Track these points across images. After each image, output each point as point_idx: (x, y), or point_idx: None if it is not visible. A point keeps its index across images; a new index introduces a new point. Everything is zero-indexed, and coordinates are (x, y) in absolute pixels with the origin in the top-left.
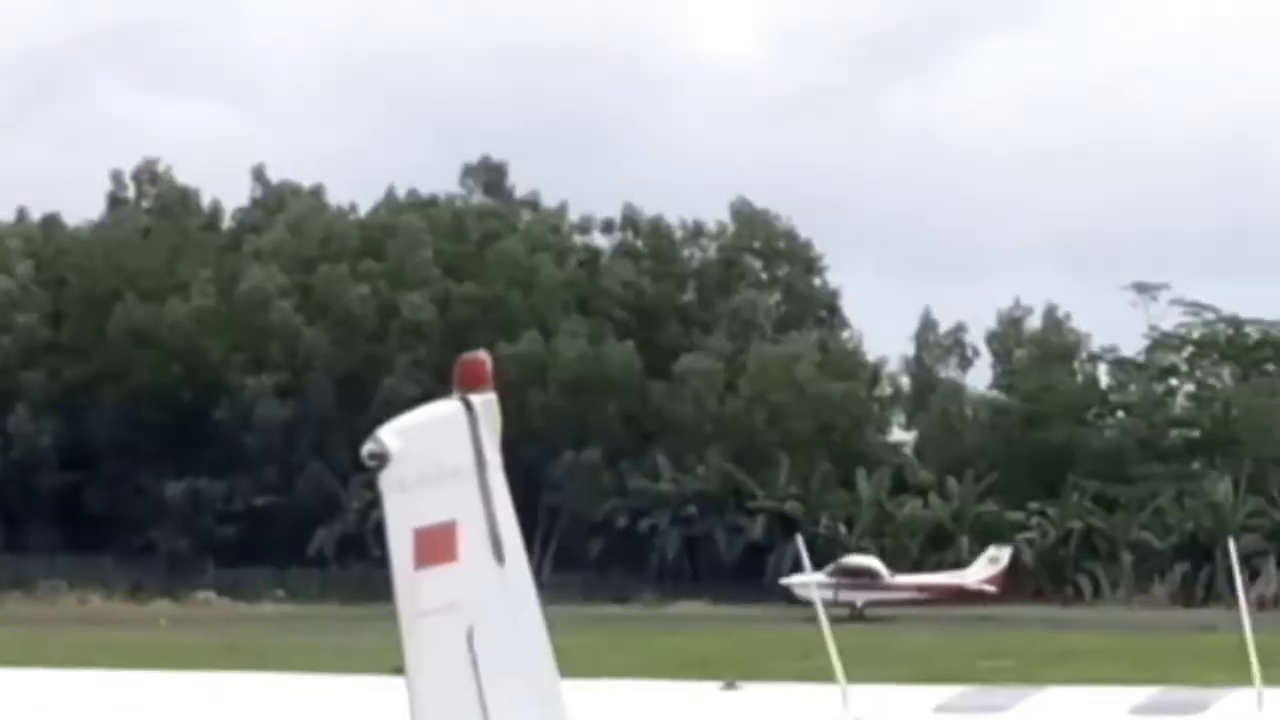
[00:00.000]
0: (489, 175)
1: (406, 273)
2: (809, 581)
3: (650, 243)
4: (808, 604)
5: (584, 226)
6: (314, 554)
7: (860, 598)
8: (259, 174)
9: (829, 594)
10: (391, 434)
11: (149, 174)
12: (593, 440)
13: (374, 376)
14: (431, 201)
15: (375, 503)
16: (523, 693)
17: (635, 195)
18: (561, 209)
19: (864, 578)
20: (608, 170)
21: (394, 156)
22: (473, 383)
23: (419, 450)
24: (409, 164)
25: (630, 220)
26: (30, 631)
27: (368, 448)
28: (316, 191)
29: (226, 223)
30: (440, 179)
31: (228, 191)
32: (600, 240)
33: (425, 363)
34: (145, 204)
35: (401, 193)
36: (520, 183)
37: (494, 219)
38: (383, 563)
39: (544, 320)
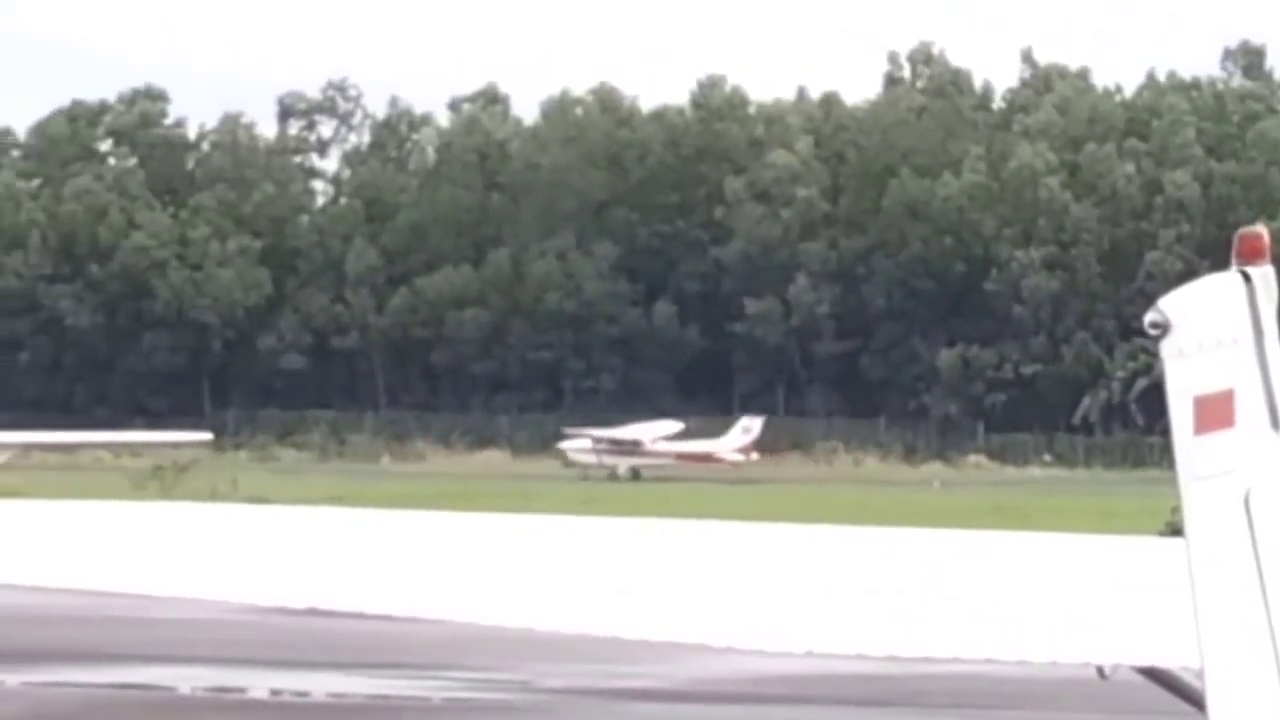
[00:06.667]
0: (1248, 58)
1: (1170, 152)
2: (577, 448)
3: None
4: (577, 466)
5: None
6: (1079, 421)
7: (622, 464)
8: (1027, 56)
9: (593, 459)
10: (1173, 304)
11: (924, 55)
12: None
13: (1137, 251)
14: (1193, 84)
15: (1139, 372)
16: None
17: None
18: None
19: (627, 445)
20: None
21: (1156, 40)
22: (1251, 255)
23: (1199, 320)
24: (1171, 48)
25: None
26: (809, 490)
27: (1150, 317)
28: (1083, 73)
29: (997, 103)
30: (1201, 62)
31: (997, 73)
32: None
33: (1188, 238)
34: (919, 84)
35: (1162, 76)
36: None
37: (1254, 100)
38: (1145, 430)
39: None
